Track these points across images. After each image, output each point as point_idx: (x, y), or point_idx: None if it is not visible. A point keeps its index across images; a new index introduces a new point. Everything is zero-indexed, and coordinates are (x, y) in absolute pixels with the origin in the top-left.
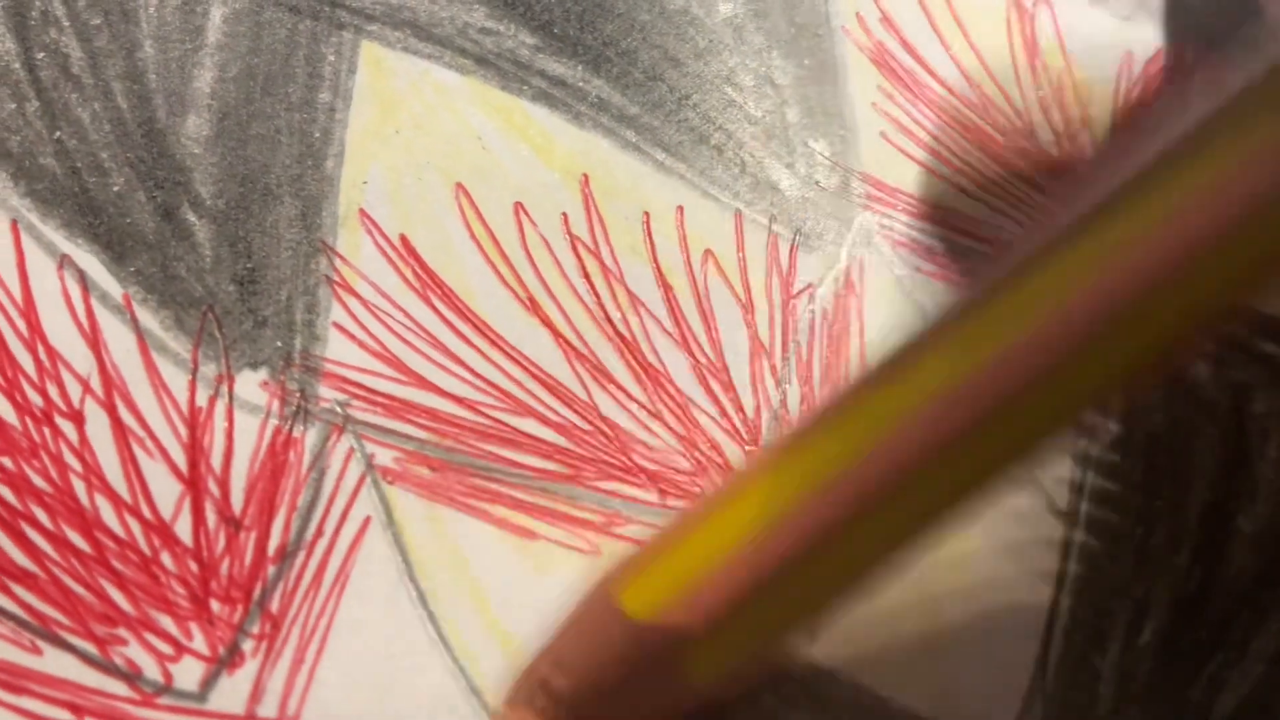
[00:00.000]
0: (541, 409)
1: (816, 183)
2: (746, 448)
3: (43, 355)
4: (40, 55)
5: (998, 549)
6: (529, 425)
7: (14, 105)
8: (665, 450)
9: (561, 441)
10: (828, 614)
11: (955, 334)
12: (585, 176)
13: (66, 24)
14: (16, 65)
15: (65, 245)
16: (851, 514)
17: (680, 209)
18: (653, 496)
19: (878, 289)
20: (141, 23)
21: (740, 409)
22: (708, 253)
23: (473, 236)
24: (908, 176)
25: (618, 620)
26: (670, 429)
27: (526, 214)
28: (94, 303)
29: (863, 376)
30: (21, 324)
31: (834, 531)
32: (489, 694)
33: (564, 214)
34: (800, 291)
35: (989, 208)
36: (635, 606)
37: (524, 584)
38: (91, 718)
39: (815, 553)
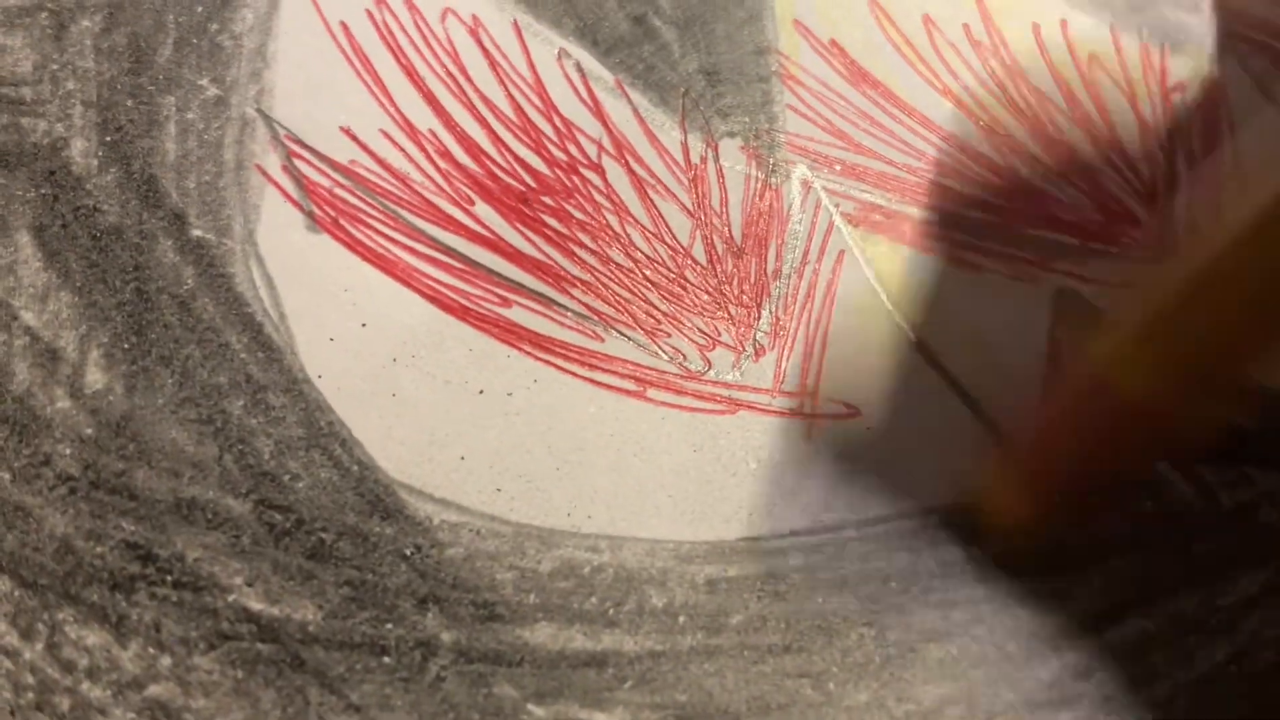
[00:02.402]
0: (964, 170)
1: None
2: (1146, 203)
3: (558, 122)
4: None
5: None
6: (963, 186)
7: None
8: (1076, 205)
9: (990, 198)
10: None
11: None
12: None
13: None
14: None
15: (559, 41)
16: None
17: (1064, 22)
18: (1073, 240)
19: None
20: None
21: (1137, 174)
22: (1092, 56)
23: (890, 40)
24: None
25: (1110, 402)
26: (1078, 187)
27: (934, 24)
28: (591, 84)
29: None
30: (536, 99)
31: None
32: (969, 390)
33: (965, 24)
34: (1175, 87)
35: None
36: (1128, 387)
37: (974, 301)
38: (651, 387)
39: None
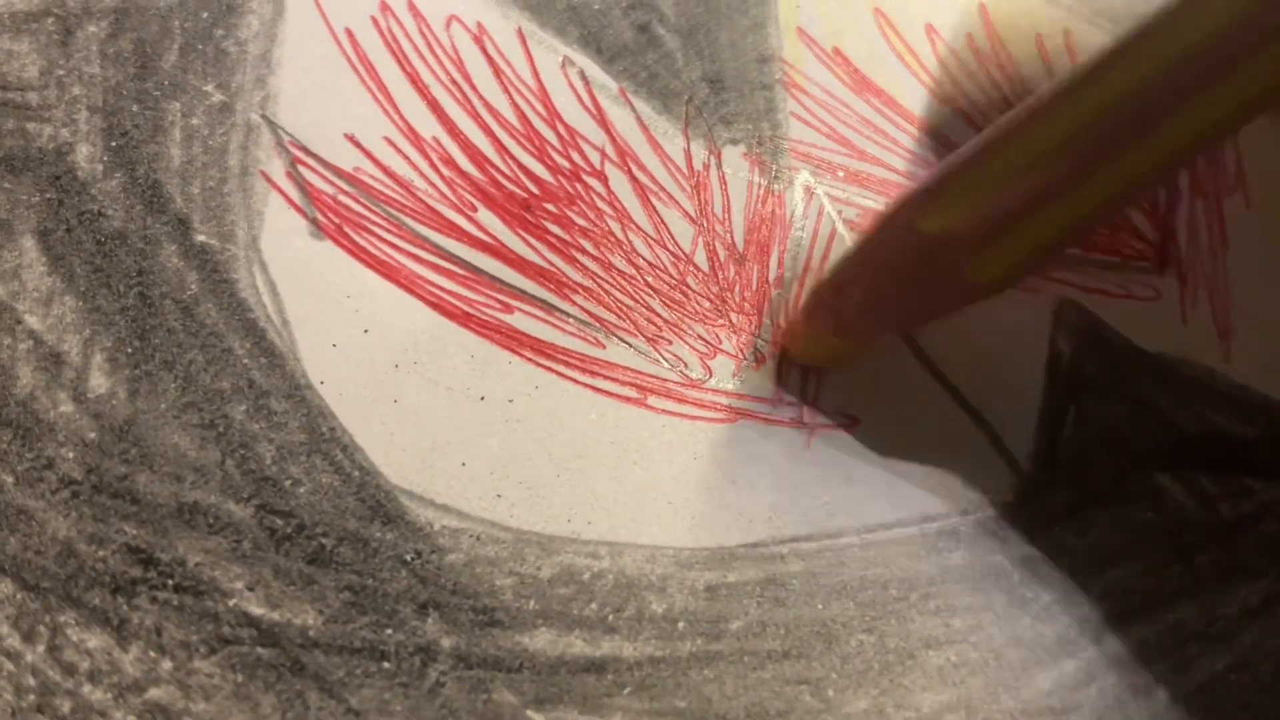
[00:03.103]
0: None
1: None
2: None
3: (561, 130)
4: None
5: None
6: None
7: None
8: None
9: None
10: (1086, 230)
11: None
12: (982, 5)
13: None
14: None
15: (563, 49)
16: (1107, 150)
17: (1068, 33)
18: (1075, 251)
19: None
20: None
21: None
22: None
23: (893, 49)
24: None
25: (914, 236)
26: None
27: (936, 33)
28: (595, 91)
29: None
30: (540, 107)
31: (1096, 160)
32: (969, 398)
33: (968, 34)
34: None
35: None
36: (930, 226)
37: (974, 310)
38: (652, 395)
39: (1079, 178)
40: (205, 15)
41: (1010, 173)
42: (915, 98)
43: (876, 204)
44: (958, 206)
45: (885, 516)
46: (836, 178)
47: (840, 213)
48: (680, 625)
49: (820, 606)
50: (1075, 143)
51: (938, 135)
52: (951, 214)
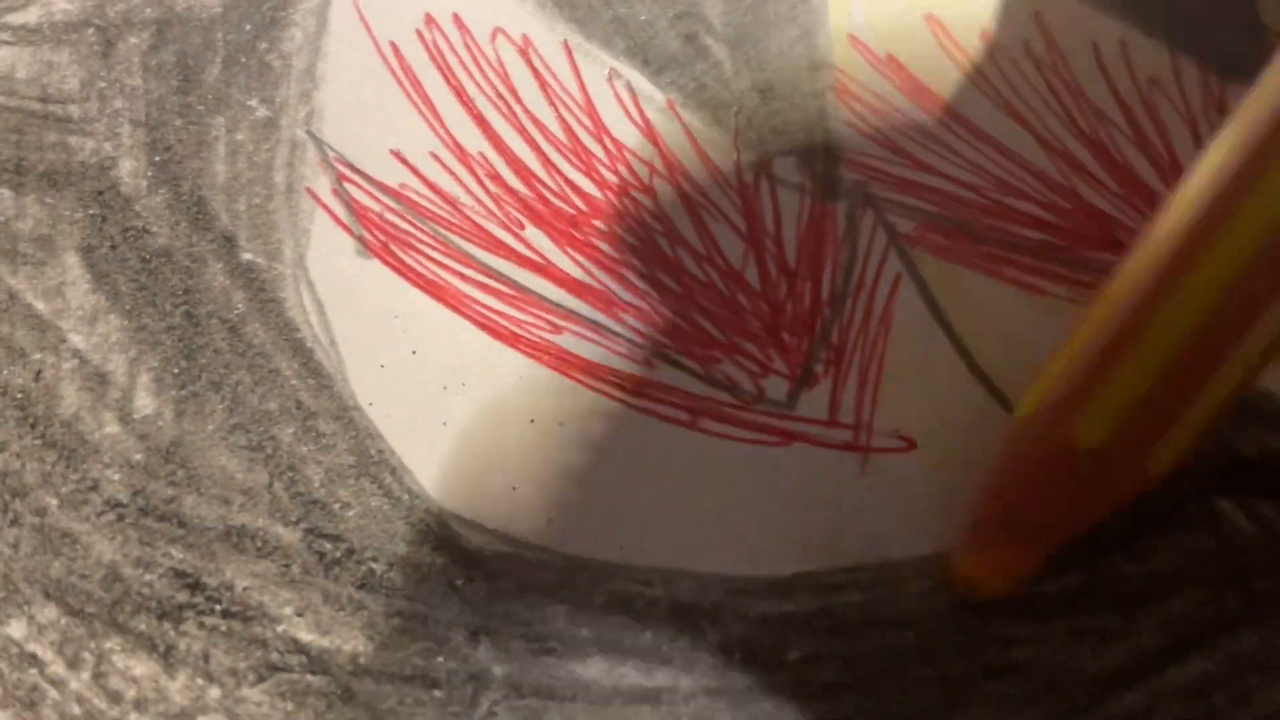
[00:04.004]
0: (1030, 190)
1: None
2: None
3: (609, 144)
4: None
5: None
6: (1025, 205)
7: None
8: (1138, 230)
9: (1051, 219)
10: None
11: None
12: (1038, 12)
13: None
14: None
15: (609, 61)
16: (1247, 323)
17: (1124, 43)
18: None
19: None
20: None
21: None
22: (1152, 79)
23: (948, 55)
24: None
25: (1073, 455)
26: (1140, 212)
27: (992, 40)
28: (642, 104)
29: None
30: (587, 120)
31: (1238, 339)
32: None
33: (1025, 41)
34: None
35: None
36: (1087, 440)
37: (1035, 326)
38: (704, 417)
39: (1228, 362)
40: (248, 28)
41: (1167, 355)
42: (972, 105)
43: (932, 217)
44: (1114, 411)
45: (943, 543)
46: (891, 189)
47: (895, 226)
48: (736, 655)
49: (879, 637)
50: (1233, 292)
51: (996, 144)
52: (1110, 422)
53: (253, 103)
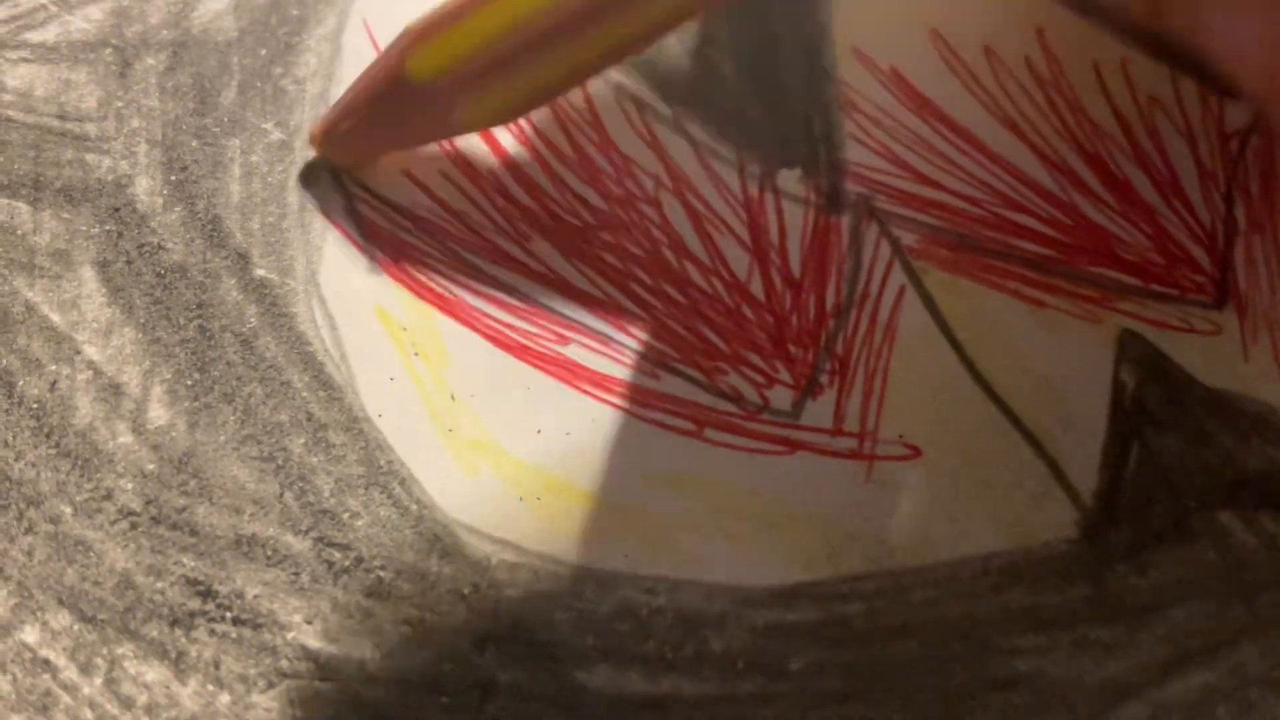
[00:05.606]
0: (1031, 205)
1: None
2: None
3: (615, 157)
4: None
5: None
6: (1026, 220)
7: None
8: (1138, 245)
9: (1052, 233)
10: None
11: None
12: (1039, 30)
13: None
14: None
15: (616, 76)
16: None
17: (1125, 58)
18: (1135, 280)
19: None
20: None
21: (1198, 220)
22: (1152, 98)
23: (951, 70)
24: None
25: (400, 82)
26: (1139, 228)
27: (995, 55)
28: (648, 116)
29: None
30: (594, 134)
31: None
32: (1032, 430)
33: (1027, 57)
34: (1233, 134)
35: None
36: (417, 71)
37: (1037, 338)
38: (709, 427)
39: (558, 39)
40: (263, 52)
41: (503, 25)
42: (975, 119)
43: (936, 230)
44: (448, 53)
45: (947, 553)
46: (895, 202)
47: (899, 239)
48: (740, 664)
49: (882, 647)
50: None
51: (998, 159)
52: (442, 60)
53: (267, 126)
